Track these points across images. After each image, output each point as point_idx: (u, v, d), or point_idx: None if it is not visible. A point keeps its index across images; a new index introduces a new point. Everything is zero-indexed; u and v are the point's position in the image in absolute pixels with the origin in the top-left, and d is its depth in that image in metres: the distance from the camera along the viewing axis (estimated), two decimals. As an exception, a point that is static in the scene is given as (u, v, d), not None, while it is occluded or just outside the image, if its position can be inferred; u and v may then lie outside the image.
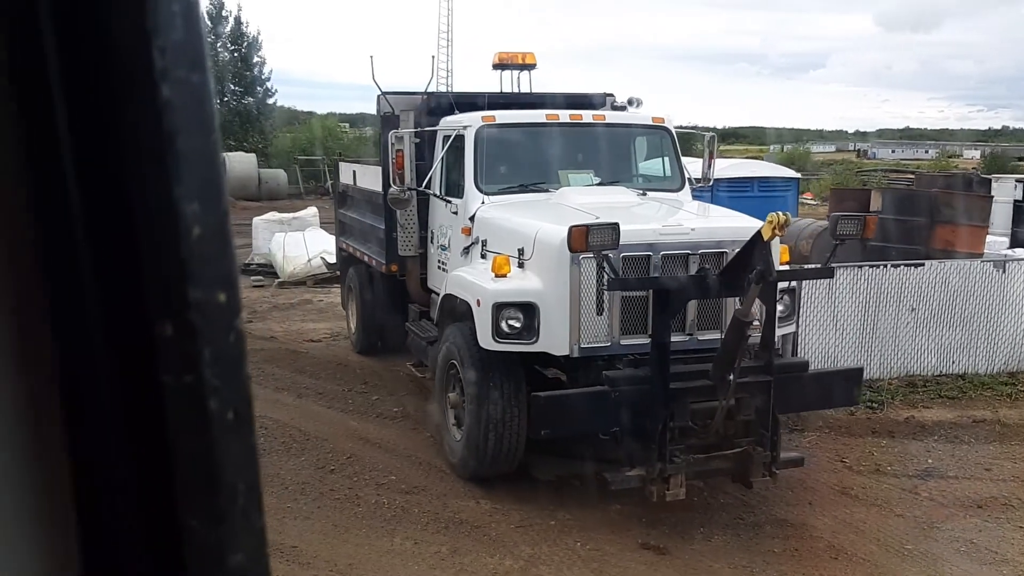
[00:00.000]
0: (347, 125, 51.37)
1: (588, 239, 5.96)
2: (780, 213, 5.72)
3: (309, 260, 17.04)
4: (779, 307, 7.32)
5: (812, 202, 33.27)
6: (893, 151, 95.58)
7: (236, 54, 47.31)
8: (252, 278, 17.74)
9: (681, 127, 9.97)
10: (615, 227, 5.99)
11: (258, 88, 48.12)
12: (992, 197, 15.06)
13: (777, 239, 7.07)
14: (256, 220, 19.10)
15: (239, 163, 37.42)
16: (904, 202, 14.03)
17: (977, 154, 72.27)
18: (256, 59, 48.10)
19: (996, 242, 15.05)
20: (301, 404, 9.79)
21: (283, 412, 9.33)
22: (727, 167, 16.81)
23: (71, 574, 0.74)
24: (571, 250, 6.15)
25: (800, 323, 9.65)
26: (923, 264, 10.29)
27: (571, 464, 7.65)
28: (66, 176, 0.69)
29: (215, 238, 0.72)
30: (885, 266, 10.12)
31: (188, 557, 0.73)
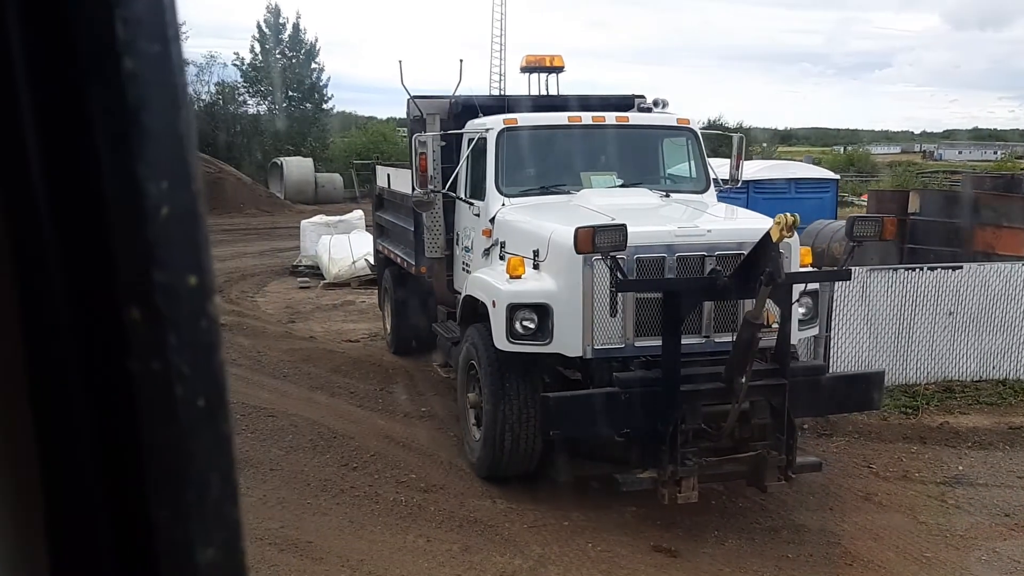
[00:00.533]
0: (405, 129, 51.69)
1: (595, 240, 5.97)
2: (788, 214, 5.65)
3: (354, 262, 17.29)
4: (800, 310, 7.25)
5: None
6: (960, 152, 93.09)
7: (294, 61, 48.07)
8: (299, 280, 18.12)
9: (710, 127, 9.86)
10: (622, 228, 5.99)
11: (315, 94, 48.81)
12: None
13: (796, 240, 7.04)
14: (304, 223, 19.46)
15: (296, 168, 38.11)
16: (944, 204, 13.66)
17: (1049, 155, 69.94)
18: (314, 66, 48.85)
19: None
20: (332, 403, 9.95)
21: (314, 410, 9.50)
22: (763, 168, 16.54)
23: (39, 569, 0.72)
24: (577, 251, 6.15)
25: (833, 327, 9.53)
26: (961, 267, 10.03)
27: (591, 465, 7.67)
28: (29, 154, 0.67)
29: (185, 219, 0.70)
30: (921, 269, 9.90)
31: (158, 552, 0.71)
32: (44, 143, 0.67)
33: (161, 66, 0.68)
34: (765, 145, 56.03)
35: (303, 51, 48.48)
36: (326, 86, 49.45)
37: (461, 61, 9.45)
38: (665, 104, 9.27)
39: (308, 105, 48.16)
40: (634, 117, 8.95)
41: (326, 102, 49.94)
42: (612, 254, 6.10)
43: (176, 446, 0.71)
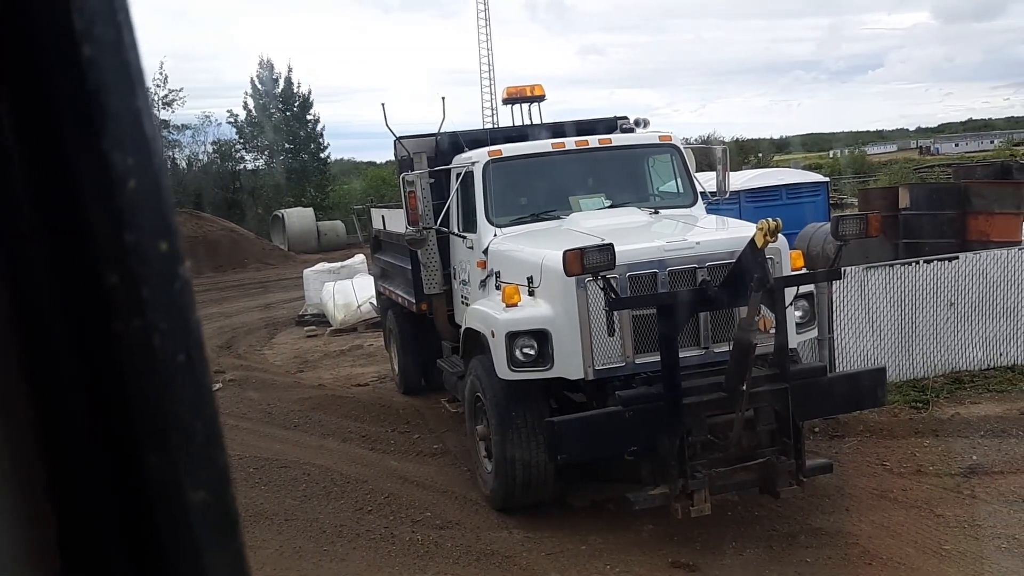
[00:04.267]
0: (402, 171, 51.84)
1: (583, 262, 6.02)
2: (770, 219, 5.69)
3: (359, 306, 17.33)
4: (797, 313, 7.27)
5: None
6: (957, 145, 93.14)
7: (288, 114, 48.62)
8: (306, 329, 18.18)
9: (703, 144, 9.91)
10: (609, 248, 6.04)
11: (311, 144, 49.29)
12: (1022, 183, 14.59)
13: (785, 244, 7.10)
14: (306, 272, 19.57)
15: (298, 218, 38.42)
16: (934, 196, 13.68)
17: (1046, 139, 69.72)
18: (308, 116, 49.40)
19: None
20: (345, 448, 9.96)
21: (327, 457, 9.50)
22: (754, 177, 16.64)
23: (44, 513, 0.77)
24: (567, 274, 6.20)
25: (836, 327, 9.54)
26: (957, 257, 10.04)
27: (607, 488, 7.66)
28: (5, 142, 0.72)
29: (152, 190, 0.75)
30: (917, 262, 9.91)
31: (151, 494, 0.77)
32: (19, 132, 0.73)
33: (116, 49, 0.74)
34: (761, 155, 56.29)
35: (297, 103, 49.08)
36: (322, 135, 50.04)
37: (443, 99, 9.60)
38: (646, 124, 9.36)
39: (305, 156, 48.67)
40: (616, 138, 9.05)
41: (323, 151, 50.49)
42: (602, 274, 6.15)
43: (162, 396, 0.76)
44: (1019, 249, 10.38)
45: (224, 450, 0.83)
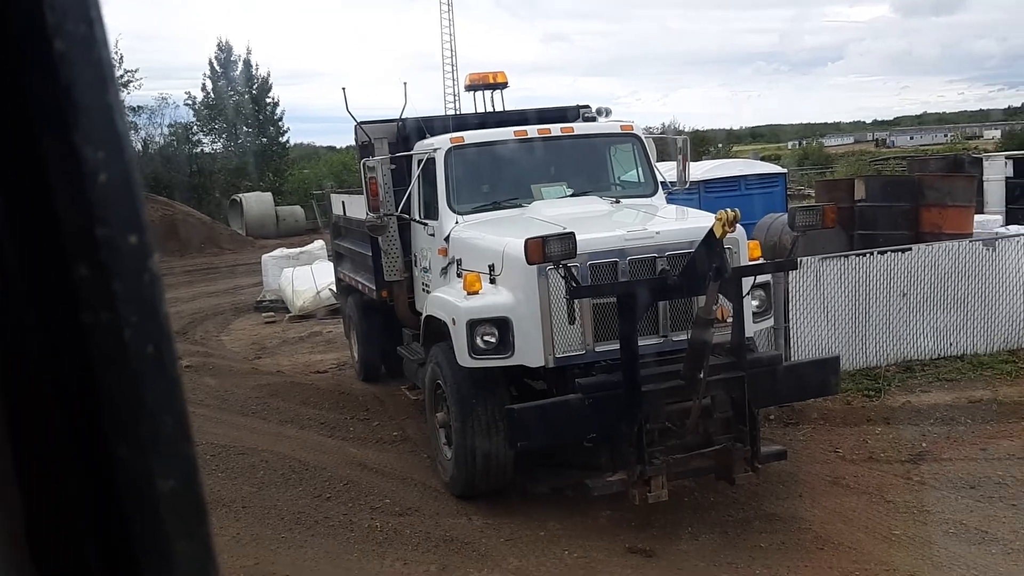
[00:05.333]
0: (364, 157, 51.44)
1: (545, 250, 6.04)
2: (728, 210, 5.76)
3: (318, 292, 17.20)
4: (753, 302, 7.37)
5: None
6: (911, 138, 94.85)
7: (247, 96, 47.99)
8: (264, 315, 18.02)
9: (661, 133, 9.95)
10: (571, 236, 6.07)
11: (270, 128, 48.73)
12: (974, 176, 14.94)
13: (743, 234, 7.19)
14: (265, 257, 19.40)
15: (256, 203, 37.96)
16: (888, 188, 13.94)
17: (998, 134, 71.10)
18: (268, 100, 48.83)
19: (990, 220, 14.95)
20: (303, 435, 9.90)
21: (285, 445, 9.44)
22: (713, 168, 16.85)
23: (13, 499, 0.77)
24: (529, 262, 6.22)
25: (791, 317, 9.69)
26: (910, 248, 10.24)
27: (566, 474, 7.72)
28: None
29: (122, 184, 0.76)
30: (871, 254, 10.09)
31: (120, 485, 0.77)
32: None
33: (87, 44, 0.74)
34: (720, 146, 56.82)
35: (256, 86, 48.48)
36: (281, 119, 49.49)
37: (405, 84, 9.54)
38: (609, 113, 9.40)
39: (264, 140, 48.11)
40: (579, 127, 9.08)
41: (282, 135, 49.95)
42: (564, 262, 6.19)
43: (130, 387, 0.77)
44: (969, 241, 10.63)
45: (192, 441, 0.84)
